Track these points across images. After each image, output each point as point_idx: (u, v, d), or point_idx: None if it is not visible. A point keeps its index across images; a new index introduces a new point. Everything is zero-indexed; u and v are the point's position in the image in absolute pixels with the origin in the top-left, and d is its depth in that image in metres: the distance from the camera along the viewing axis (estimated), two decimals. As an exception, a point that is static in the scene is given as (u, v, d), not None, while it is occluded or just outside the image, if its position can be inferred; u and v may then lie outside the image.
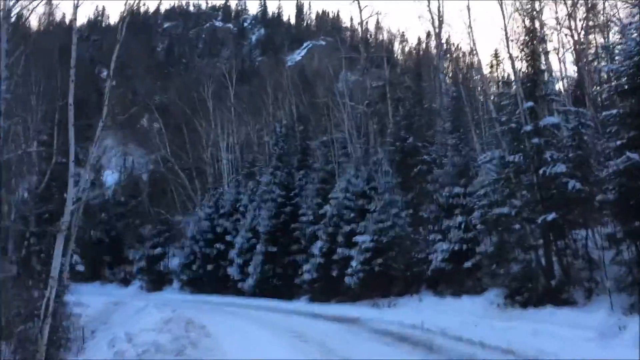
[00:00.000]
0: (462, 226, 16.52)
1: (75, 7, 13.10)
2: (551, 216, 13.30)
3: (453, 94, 21.43)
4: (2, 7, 16.24)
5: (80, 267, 24.27)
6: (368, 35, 28.34)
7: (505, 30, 15.75)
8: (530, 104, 14.55)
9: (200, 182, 40.33)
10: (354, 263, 20.39)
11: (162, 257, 39.00)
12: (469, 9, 19.32)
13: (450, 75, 25.92)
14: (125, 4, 15.57)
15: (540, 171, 13.82)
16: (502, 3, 16.07)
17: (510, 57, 15.54)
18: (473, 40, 23.23)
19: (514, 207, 14.05)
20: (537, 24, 16.41)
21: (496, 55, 19.66)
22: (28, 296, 16.07)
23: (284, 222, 28.94)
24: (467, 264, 16.06)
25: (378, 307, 18.92)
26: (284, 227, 28.86)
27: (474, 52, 25.77)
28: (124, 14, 17.31)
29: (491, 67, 20.87)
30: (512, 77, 16.00)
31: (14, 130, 22.78)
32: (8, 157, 18.05)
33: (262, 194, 31.76)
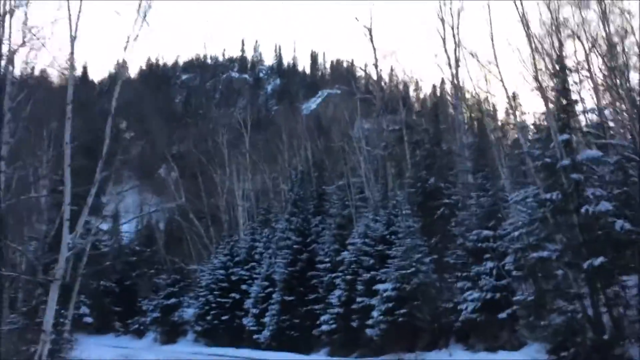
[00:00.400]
0: (494, 272, 14.77)
1: (72, 39, 12.06)
2: (598, 261, 11.56)
3: (475, 132, 20.02)
4: (4, 51, 15.42)
5: (88, 319, 22.66)
6: (382, 81, 27.37)
7: (534, 58, 14.41)
8: (565, 136, 13.04)
9: (215, 230, 38.89)
10: (375, 313, 18.59)
11: (177, 308, 37.16)
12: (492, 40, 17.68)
13: (470, 114, 24.55)
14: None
15: (582, 210, 12.18)
16: (530, 33, 14.76)
17: (540, 87, 14.15)
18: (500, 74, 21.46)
19: (554, 250, 12.33)
20: (564, 55, 15.02)
21: (514, 98, 18.43)
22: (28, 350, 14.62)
23: (301, 270, 27.24)
24: (502, 315, 14.22)
25: (404, 362, 17.07)
26: (301, 275, 27.15)
27: (490, 95, 24.33)
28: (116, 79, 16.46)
29: (511, 108, 19.57)
30: (544, 109, 14.57)
31: (21, 175, 21.78)
32: (10, 203, 16.86)
33: (278, 241, 30.25)
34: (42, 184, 23.90)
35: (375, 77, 27.07)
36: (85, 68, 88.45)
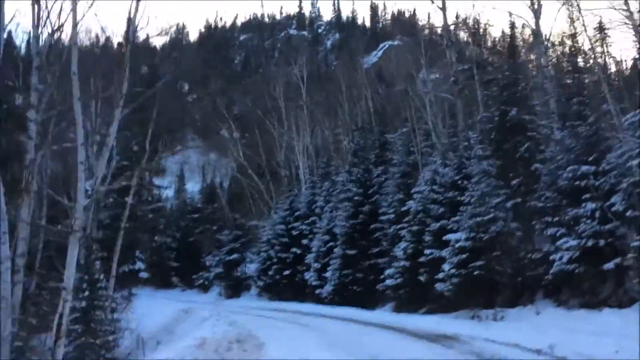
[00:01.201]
0: (597, 215, 11.95)
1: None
2: None
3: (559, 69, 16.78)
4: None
5: (144, 274, 21.44)
6: (449, 25, 24.05)
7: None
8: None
9: (275, 186, 37.21)
10: (446, 266, 16.16)
11: (239, 263, 36.10)
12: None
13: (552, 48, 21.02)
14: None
15: None
16: None
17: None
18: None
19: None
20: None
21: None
22: (44, 312, 13.38)
23: (363, 223, 25.05)
24: (609, 266, 11.45)
25: (480, 320, 14.58)
26: (363, 228, 24.97)
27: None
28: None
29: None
30: None
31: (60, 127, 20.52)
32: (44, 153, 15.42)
33: (338, 194, 28.14)
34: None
35: (441, 21, 23.79)
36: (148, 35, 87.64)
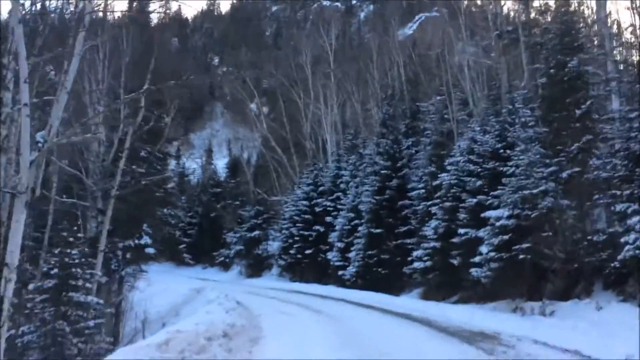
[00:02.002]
0: (685, 187, 9.28)
1: None
2: None
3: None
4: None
5: (150, 250, 19.50)
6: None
7: None
8: None
9: (300, 160, 34.93)
10: (484, 248, 13.63)
11: (260, 241, 34.16)
12: None
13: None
14: None
15: None
16: None
17: None
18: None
19: None
20: None
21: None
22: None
23: (390, 199, 22.57)
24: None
25: (524, 314, 12.04)
26: (390, 205, 22.51)
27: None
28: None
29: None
30: None
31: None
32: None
33: (365, 168, 25.69)
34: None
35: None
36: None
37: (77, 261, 12.05)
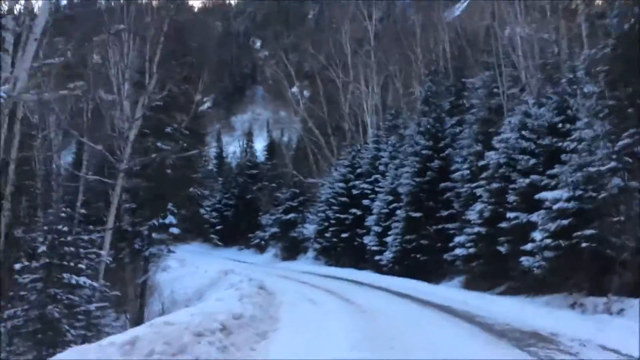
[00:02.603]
0: None
1: None
2: None
3: None
4: None
5: (175, 230, 18.40)
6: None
7: None
8: None
9: (337, 141, 33.33)
10: (537, 235, 11.77)
11: (296, 223, 32.87)
12: None
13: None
14: None
15: None
16: None
17: None
18: None
19: None
20: None
21: None
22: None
23: (431, 181, 20.78)
24: None
25: (584, 311, 10.20)
26: (431, 187, 20.72)
27: None
28: None
29: None
30: None
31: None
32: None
33: (406, 149, 23.91)
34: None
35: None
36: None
37: (69, 239, 10.83)
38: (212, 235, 25.22)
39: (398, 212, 22.21)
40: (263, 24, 74.06)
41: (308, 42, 47.21)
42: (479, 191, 15.95)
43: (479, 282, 16.23)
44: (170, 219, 18.26)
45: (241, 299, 10.30)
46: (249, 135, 57.47)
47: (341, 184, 28.34)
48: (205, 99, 77.71)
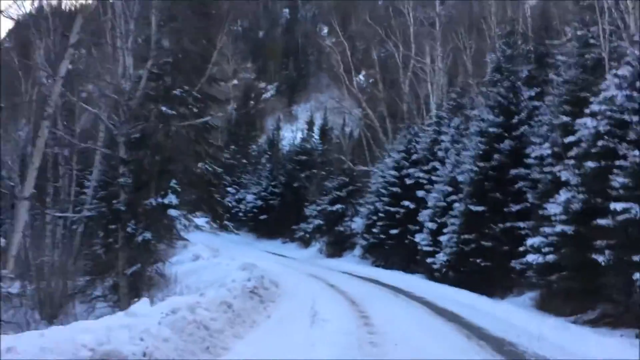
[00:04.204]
0: None
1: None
2: None
3: None
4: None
5: (174, 212, 14.86)
6: None
7: None
8: None
9: (394, 123, 28.90)
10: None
11: (343, 216, 28.81)
12: None
13: None
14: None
15: None
16: None
17: None
18: None
19: None
20: None
21: None
22: None
23: (498, 167, 16.05)
24: None
25: None
26: (499, 175, 16.00)
27: None
28: None
29: None
30: None
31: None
32: None
33: (471, 132, 19.23)
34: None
35: None
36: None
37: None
38: (227, 222, 21.63)
39: (456, 205, 17.70)
40: (330, 11, 70.41)
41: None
42: (564, 175, 11.21)
43: (558, 302, 11.52)
44: (171, 198, 14.72)
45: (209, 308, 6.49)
46: (310, 124, 54.02)
47: (393, 172, 23.97)
48: (268, 87, 75.30)
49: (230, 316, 7.32)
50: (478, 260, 15.58)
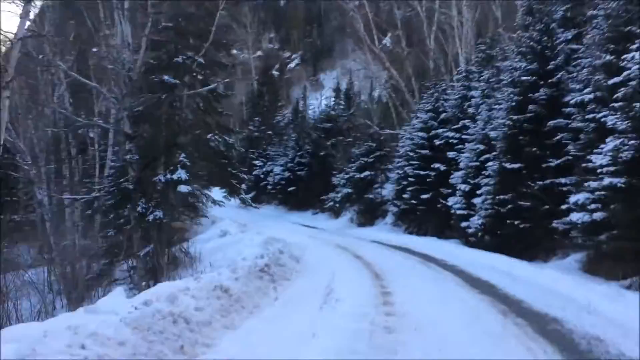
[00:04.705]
0: None
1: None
2: None
3: None
4: None
5: (184, 188, 13.98)
6: None
7: None
8: None
9: (420, 83, 27.25)
10: None
11: (373, 183, 27.61)
12: None
13: None
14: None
15: None
16: None
17: None
18: None
19: None
20: None
21: None
22: None
23: (534, 118, 14.51)
24: None
25: None
26: (535, 127, 14.48)
27: None
28: None
29: None
30: None
31: None
32: None
33: (502, 84, 17.58)
34: None
35: None
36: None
37: None
38: (243, 195, 20.52)
39: (489, 164, 16.29)
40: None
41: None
42: (610, 121, 9.72)
43: (608, 264, 10.17)
44: (180, 173, 13.83)
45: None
46: (337, 91, 52.53)
47: (421, 134, 22.53)
48: (293, 57, 73.67)
49: (224, 303, 6.36)
50: (516, 222, 14.22)
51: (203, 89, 14.66)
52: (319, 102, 45.45)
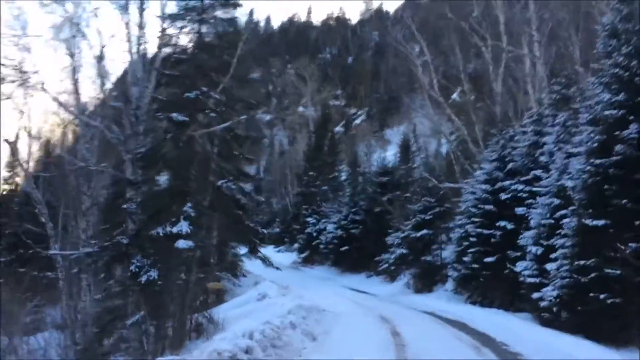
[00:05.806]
0: None
1: None
2: None
3: None
4: None
5: (183, 243, 11.91)
6: None
7: None
8: None
9: (484, 130, 24.47)
10: None
11: (430, 243, 24.57)
12: None
13: None
14: None
15: None
16: None
17: None
18: None
19: None
20: None
21: None
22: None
23: (622, 162, 11.48)
24: None
25: None
26: (623, 173, 11.43)
27: None
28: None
29: None
30: None
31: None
32: None
33: (580, 127, 14.60)
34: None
35: None
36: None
37: None
38: (260, 254, 17.86)
39: (566, 220, 13.17)
40: (420, 30, 67.02)
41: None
42: None
43: None
44: (182, 225, 11.81)
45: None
46: (404, 147, 50.36)
47: (485, 186, 19.55)
48: (359, 112, 72.52)
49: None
50: (602, 296, 10.96)
51: (216, 127, 12.85)
52: (381, 157, 43.31)
